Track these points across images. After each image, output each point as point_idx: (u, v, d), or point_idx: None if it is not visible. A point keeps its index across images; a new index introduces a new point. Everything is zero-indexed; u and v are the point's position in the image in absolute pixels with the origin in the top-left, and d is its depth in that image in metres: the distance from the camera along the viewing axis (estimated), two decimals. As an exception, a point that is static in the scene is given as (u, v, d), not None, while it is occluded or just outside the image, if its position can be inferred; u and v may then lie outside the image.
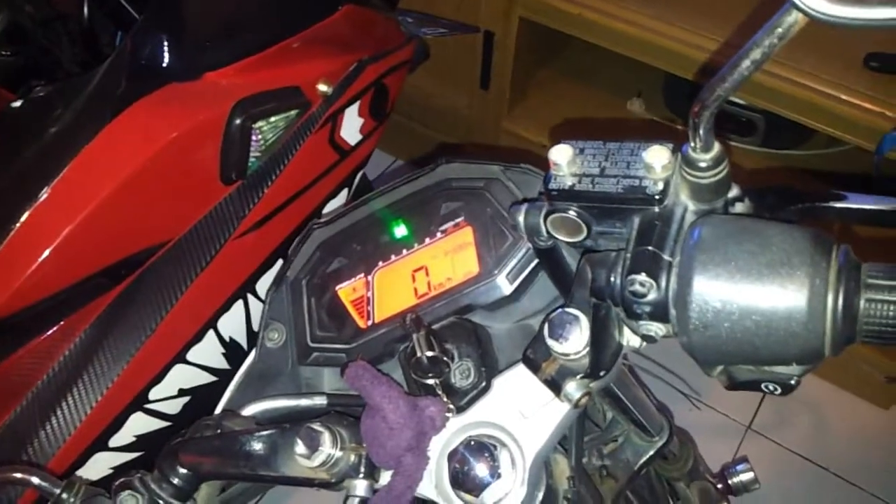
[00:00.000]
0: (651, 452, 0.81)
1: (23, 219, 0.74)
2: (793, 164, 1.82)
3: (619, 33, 1.56)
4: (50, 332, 0.79)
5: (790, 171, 1.80)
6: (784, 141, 1.80)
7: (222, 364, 0.93)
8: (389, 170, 2.24)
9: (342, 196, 1.05)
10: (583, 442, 0.69)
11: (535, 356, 0.54)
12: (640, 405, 0.76)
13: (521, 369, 0.57)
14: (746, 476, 1.15)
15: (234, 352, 0.94)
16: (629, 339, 0.54)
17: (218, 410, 0.70)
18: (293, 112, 0.90)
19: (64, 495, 0.56)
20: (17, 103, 0.84)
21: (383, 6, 1.16)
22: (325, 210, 1.02)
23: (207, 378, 0.92)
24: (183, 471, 0.56)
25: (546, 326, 0.52)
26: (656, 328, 0.47)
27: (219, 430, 0.60)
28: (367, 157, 1.09)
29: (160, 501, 0.56)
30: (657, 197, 0.47)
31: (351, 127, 1.01)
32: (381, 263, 0.69)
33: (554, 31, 1.68)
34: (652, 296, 0.45)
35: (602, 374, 0.52)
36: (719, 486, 1.13)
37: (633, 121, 1.91)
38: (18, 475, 0.56)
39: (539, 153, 1.89)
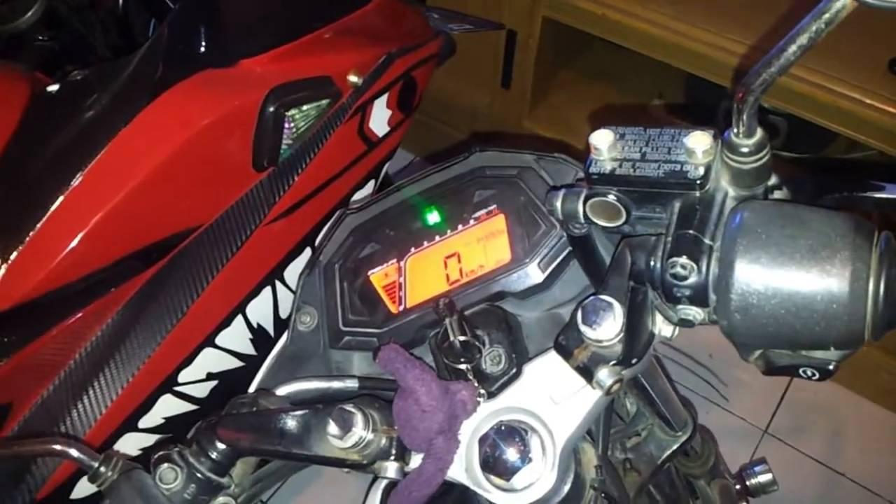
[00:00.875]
0: (674, 447, 0.81)
1: (59, 201, 0.75)
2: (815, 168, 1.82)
3: (642, 34, 1.57)
4: (83, 312, 0.80)
5: (811, 175, 1.80)
6: (806, 144, 1.80)
7: (249, 350, 0.94)
8: (410, 167, 2.25)
9: (369, 187, 1.06)
10: (609, 431, 0.70)
11: (567, 343, 0.54)
12: (666, 398, 0.77)
13: (552, 356, 0.57)
14: (765, 477, 1.15)
15: (261, 338, 0.95)
16: (661, 328, 0.54)
17: (251, 390, 0.71)
18: (325, 101, 0.91)
19: (102, 468, 0.57)
20: (54, 87, 0.85)
21: (413, 0, 1.17)
22: (352, 200, 1.03)
23: (235, 363, 0.93)
24: (221, 446, 0.57)
25: (579, 312, 0.52)
26: (695, 312, 0.47)
27: (254, 408, 0.61)
28: (394, 150, 1.10)
29: (198, 475, 0.56)
30: (698, 182, 0.47)
31: (379, 118, 1.02)
32: (413, 249, 0.69)
33: (576, 30, 1.69)
34: (692, 279, 0.45)
35: (634, 361, 0.52)
36: (737, 486, 1.13)
37: (661, 113, 1.91)
38: (58, 447, 0.57)
39: (563, 145, 1.90)
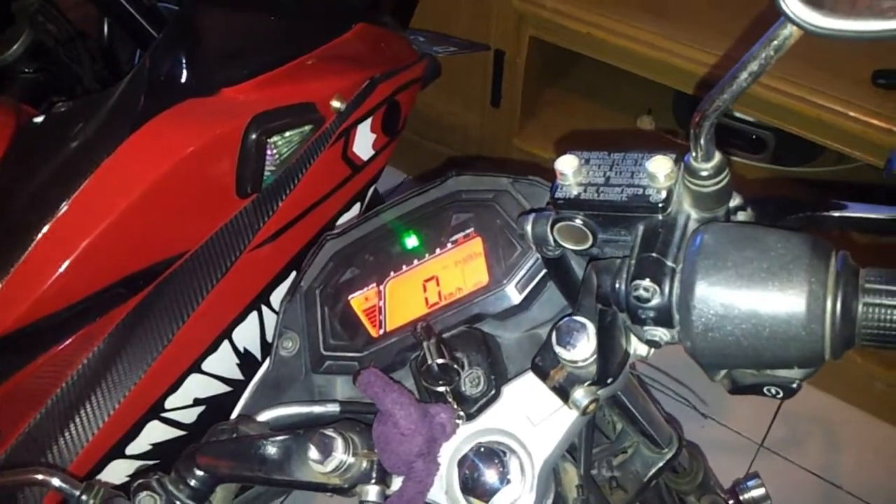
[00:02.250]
0: (660, 464, 0.81)
1: (44, 230, 0.76)
2: (803, 181, 1.82)
3: (628, 52, 1.58)
4: (69, 340, 0.81)
5: (800, 188, 1.81)
6: (794, 158, 1.81)
7: (236, 374, 0.94)
8: (402, 186, 2.26)
9: (355, 210, 1.07)
10: (591, 450, 0.70)
11: (543, 364, 0.55)
12: (648, 416, 0.77)
13: (529, 377, 0.58)
14: (757, 492, 1.15)
15: (248, 362, 0.95)
16: (636, 347, 0.55)
17: (233, 416, 0.71)
18: (307, 127, 0.92)
19: (84, 497, 0.58)
20: (39, 118, 0.86)
21: (395, 25, 1.18)
22: (338, 224, 1.04)
23: (222, 388, 0.93)
24: (200, 473, 0.58)
25: (554, 334, 0.53)
26: (661, 333, 0.48)
27: (234, 435, 0.62)
28: (380, 172, 1.10)
29: (177, 502, 0.57)
30: (660, 205, 0.48)
31: (363, 142, 1.03)
32: (392, 273, 0.70)
33: (563, 49, 1.70)
34: (656, 301, 0.46)
35: (609, 381, 0.53)
36: (730, 502, 1.13)
37: (639, 133, 1.93)
38: (40, 476, 0.57)
39: (548, 167, 1.90)
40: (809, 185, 1.81)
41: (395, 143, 1.12)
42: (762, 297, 0.42)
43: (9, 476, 0.60)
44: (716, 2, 1.61)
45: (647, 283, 0.46)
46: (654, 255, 0.46)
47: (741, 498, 1.14)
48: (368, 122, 1.02)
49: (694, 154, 0.45)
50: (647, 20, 1.56)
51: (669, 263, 0.46)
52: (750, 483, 1.16)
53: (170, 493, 0.57)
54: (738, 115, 1.73)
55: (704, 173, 0.46)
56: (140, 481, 0.57)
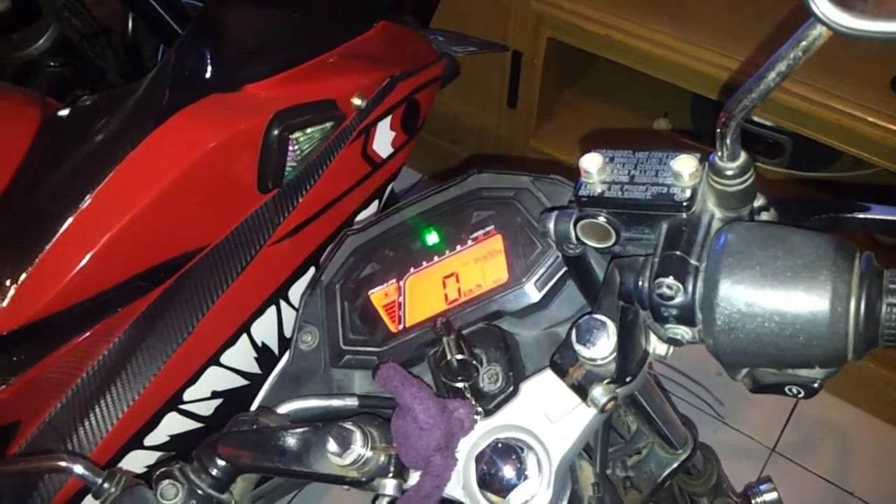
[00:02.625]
0: (675, 465, 0.81)
1: (68, 222, 0.77)
2: (820, 186, 1.82)
3: (646, 54, 1.58)
4: (90, 331, 0.82)
5: (817, 193, 1.80)
6: (811, 163, 1.80)
7: (254, 368, 0.95)
8: (417, 186, 2.26)
9: (373, 207, 1.07)
10: (608, 449, 0.70)
11: (562, 361, 0.55)
12: (664, 417, 0.77)
13: (548, 374, 0.58)
14: (770, 496, 1.14)
15: (265, 356, 0.96)
16: (655, 346, 0.55)
17: (253, 408, 0.72)
18: (328, 124, 0.93)
19: (105, 485, 0.58)
20: (65, 112, 0.87)
21: (416, 24, 1.18)
22: (356, 220, 1.05)
23: (239, 381, 0.94)
24: (221, 462, 0.58)
25: (574, 332, 0.53)
26: (682, 332, 0.48)
27: (255, 426, 0.62)
28: (398, 171, 1.11)
29: (199, 491, 0.57)
30: (685, 204, 0.48)
31: (383, 140, 1.03)
32: (412, 269, 0.71)
33: (581, 51, 1.70)
34: (679, 299, 0.46)
35: (628, 379, 0.53)
36: (741, 504, 1.13)
37: (661, 134, 1.92)
38: (63, 463, 0.58)
39: (567, 167, 1.91)
40: (827, 190, 1.80)
41: (414, 141, 1.12)
42: (786, 296, 0.42)
43: (32, 462, 0.61)
44: (734, 5, 1.61)
45: (670, 280, 0.46)
46: (677, 253, 0.47)
47: (753, 502, 1.14)
48: (388, 119, 1.03)
49: (719, 153, 0.46)
50: (665, 22, 1.56)
51: (693, 262, 0.46)
52: (762, 487, 1.15)
53: (192, 481, 0.57)
54: (755, 119, 1.72)
55: (729, 172, 0.46)
56: (162, 469, 0.58)
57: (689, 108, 1.93)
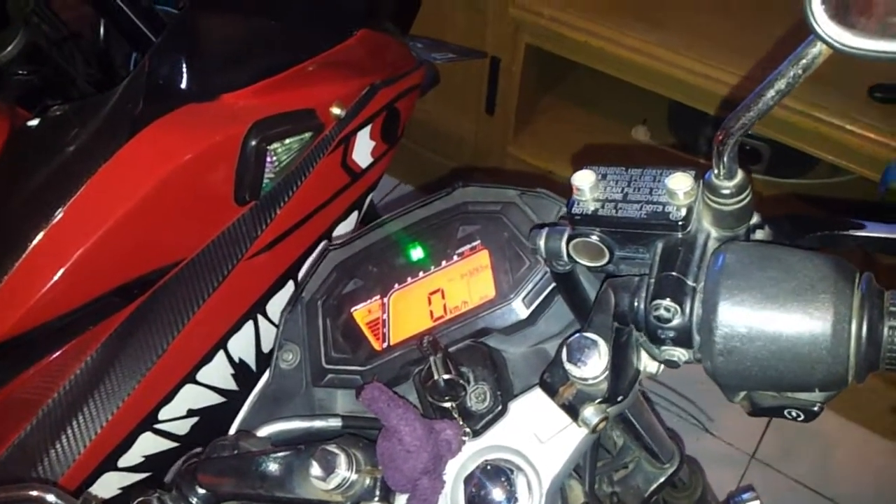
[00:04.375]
0: (662, 479, 0.81)
1: (39, 237, 0.74)
2: (797, 192, 1.83)
3: (625, 61, 1.58)
4: (61, 350, 0.79)
5: (795, 200, 1.82)
6: (788, 170, 1.82)
7: (231, 385, 0.93)
8: (394, 192, 2.25)
9: (352, 218, 1.05)
10: (596, 467, 0.69)
11: (552, 380, 0.54)
12: (652, 432, 0.76)
13: (537, 393, 0.57)
14: (752, 505, 1.14)
15: (242, 373, 0.94)
16: (646, 364, 0.54)
17: (232, 431, 0.70)
18: (307, 134, 0.91)
19: (79, 514, 0.56)
20: (34, 122, 0.84)
21: (396, 31, 1.17)
22: (336, 232, 1.03)
23: (216, 399, 0.91)
24: (201, 491, 0.56)
25: (564, 351, 0.52)
26: (679, 353, 0.47)
27: (235, 451, 0.60)
28: (378, 180, 1.10)
29: (178, 521, 0.55)
30: (680, 223, 0.47)
31: (363, 150, 1.02)
32: (396, 286, 0.69)
33: (559, 57, 1.70)
34: (676, 321, 0.45)
35: (620, 399, 0.52)
36: (725, 514, 1.13)
37: (643, 148, 1.92)
38: (35, 493, 0.56)
39: (544, 178, 1.90)
40: (806, 199, 1.81)
41: (394, 150, 1.11)
42: (786, 319, 0.41)
43: (2, 492, 0.58)
44: (715, 13, 1.62)
45: (667, 302, 0.45)
46: (674, 274, 0.46)
47: (735, 511, 1.14)
48: (368, 129, 1.01)
49: (716, 171, 0.45)
50: (644, 30, 1.56)
51: (690, 283, 0.45)
52: (745, 496, 1.15)
53: (171, 511, 0.55)
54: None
55: (726, 191, 0.45)
56: (140, 499, 0.56)
57: (667, 115, 1.94)
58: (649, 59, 1.55)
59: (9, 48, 1.01)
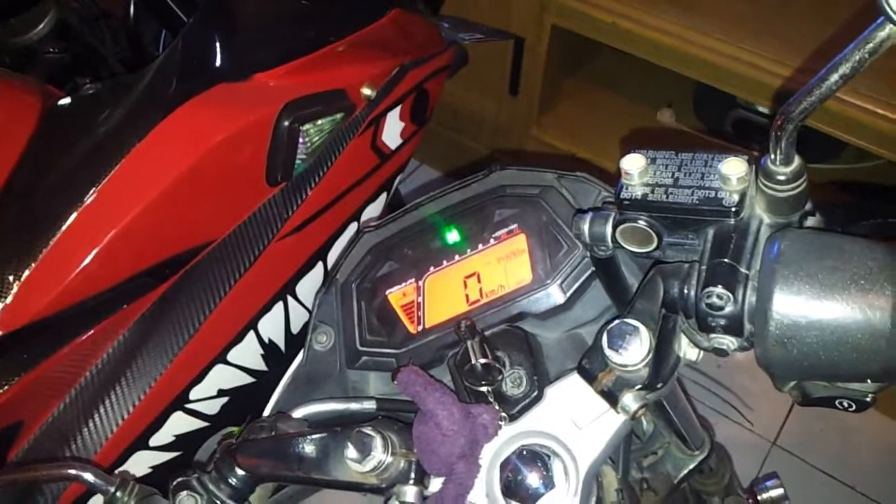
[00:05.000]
0: (691, 466, 0.80)
1: (72, 218, 0.74)
2: (824, 177, 1.81)
3: (653, 42, 1.56)
4: (94, 329, 0.79)
5: (823, 184, 1.79)
6: (815, 154, 1.79)
7: (260, 366, 0.93)
8: (416, 173, 2.24)
9: (381, 200, 1.05)
10: (630, 454, 0.69)
11: (591, 366, 0.54)
12: (685, 418, 0.76)
13: (574, 379, 0.56)
14: (776, 492, 1.14)
15: (272, 353, 0.94)
16: (686, 351, 0.53)
17: (267, 412, 0.70)
18: (338, 115, 0.90)
19: (118, 493, 0.56)
20: (66, 100, 0.84)
21: (427, 12, 1.16)
22: (364, 214, 1.02)
23: (246, 379, 0.92)
24: (240, 472, 0.56)
25: (605, 337, 0.51)
26: (729, 341, 0.47)
27: (273, 433, 0.60)
28: (406, 162, 1.09)
29: (218, 502, 0.55)
30: (734, 209, 0.46)
31: (392, 131, 1.01)
32: (432, 269, 0.69)
33: (585, 38, 1.68)
34: (728, 309, 0.44)
35: (660, 386, 0.51)
36: (749, 501, 1.12)
37: (696, 137, 1.90)
38: (73, 471, 0.56)
39: (567, 161, 1.89)
40: (831, 181, 1.79)
41: (422, 132, 1.10)
42: (844, 308, 0.41)
43: (41, 469, 0.58)
44: (744, -5, 1.59)
45: (720, 290, 0.44)
46: (727, 260, 0.45)
47: (759, 498, 1.13)
48: (397, 110, 1.00)
49: (773, 157, 0.44)
50: (672, 11, 1.54)
51: (743, 270, 0.45)
52: (769, 483, 1.15)
53: (211, 492, 0.55)
54: (761, 109, 1.71)
55: (782, 177, 0.44)
56: (179, 480, 0.56)
57: (693, 98, 1.92)
58: (678, 40, 1.52)
59: (40, 26, 1.01)
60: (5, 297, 0.71)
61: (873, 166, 1.73)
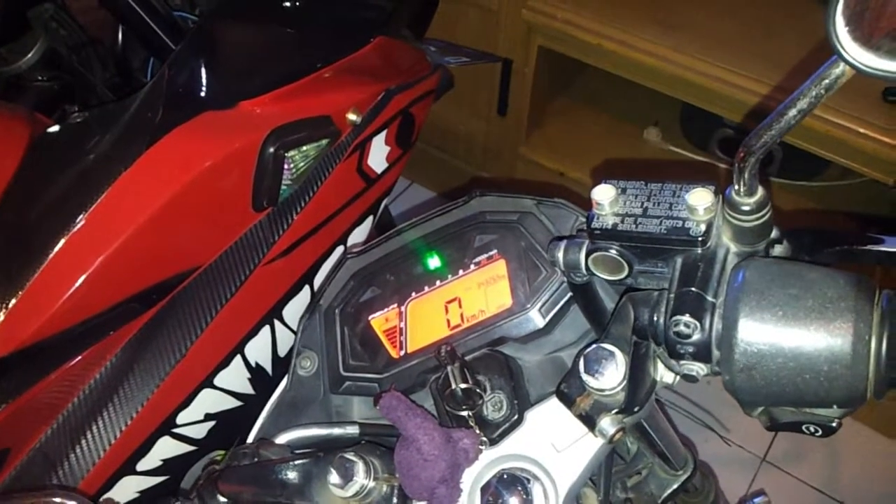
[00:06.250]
0: (675, 486, 0.81)
1: (60, 245, 0.74)
2: (808, 195, 1.83)
3: (638, 63, 1.58)
4: (81, 355, 0.80)
5: (808, 205, 1.81)
6: (800, 172, 1.81)
7: (248, 389, 0.93)
8: (406, 192, 2.25)
9: (367, 223, 1.06)
10: (611, 476, 0.70)
11: (569, 390, 0.54)
12: (666, 439, 0.77)
13: (554, 403, 0.57)
14: (764, 509, 1.14)
15: (259, 377, 0.94)
16: (663, 375, 0.54)
17: (251, 438, 0.70)
18: (324, 141, 0.91)
19: (102, 520, 0.57)
20: (54, 128, 0.85)
21: (412, 37, 1.17)
22: (351, 237, 1.03)
23: (233, 403, 0.92)
24: (222, 499, 0.57)
25: (581, 361, 0.52)
26: (698, 368, 0.48)
27: (255, 459, 0.61)
28: (392, 185, 1.10)
29: (200, 529, 0.56)
30: (700, 238, 0.47)
31: (378, 155, 1.02)
32: (414, 294, 0.69)
33: (572, 59, 1.70)
34: (696, 337, 0.45)
35: (637, 409, 0.52)
36: (737, 518, 1.13)
37: (673, 162, 1.92)
38: (58, 500, 0.56)
39: (555, 181, 1.90)
40: (814, 199, 1.81)
41: (408, 155, 1.11)
42: (806, 336, 0.42)
43: (27, 498, 0.59)
44: (726, 16, 1.61)
45: (687, 318, 0.45)
46: (694, 289, 0.46)
47: (747, 515, 1.14)
48: (383, 134, 1.01)
49: (736, 188, 0.45)
50: (658, 33, 1.56)
51: (710, 299, 0.46)
52: (756, 500, 1.15)
53: (193, 519, 0.56)
54: (748, 128, 1.73)
55: (746, 208, 0.45)
56: (162, 507, 0.56)
57: (679, 117, 1.94)
58: (662, 62, 1.54)
59: (29, 55, 1.02)
60: (-7, 325, 0.72)
61: (856, 184, 1.75)
